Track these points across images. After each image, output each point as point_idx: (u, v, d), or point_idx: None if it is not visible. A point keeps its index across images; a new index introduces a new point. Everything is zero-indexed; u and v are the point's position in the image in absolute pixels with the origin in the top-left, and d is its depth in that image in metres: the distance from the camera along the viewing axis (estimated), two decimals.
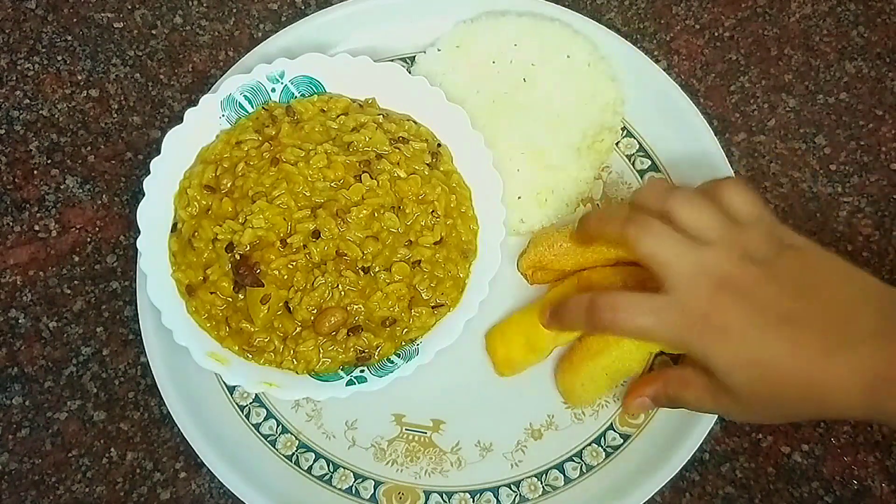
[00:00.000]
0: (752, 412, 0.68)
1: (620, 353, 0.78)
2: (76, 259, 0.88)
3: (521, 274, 0.84)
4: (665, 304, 0.65)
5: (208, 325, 0.77)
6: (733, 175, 0.86)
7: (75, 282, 0.87)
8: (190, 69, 0.95)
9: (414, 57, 0.92)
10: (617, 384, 0.81)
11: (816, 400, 0.62)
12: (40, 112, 0.93)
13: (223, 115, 0.83)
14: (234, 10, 0.98)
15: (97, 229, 0.89)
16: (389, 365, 0.77)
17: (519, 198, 0.85)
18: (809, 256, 0.67)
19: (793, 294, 0.63)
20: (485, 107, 0.88)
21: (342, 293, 0.77)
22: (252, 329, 0.76)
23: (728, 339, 0.63)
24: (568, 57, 0.89)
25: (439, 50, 0.91)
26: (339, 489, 0.80)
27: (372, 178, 0.79)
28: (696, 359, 0.66)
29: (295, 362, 0.77)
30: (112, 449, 0.82)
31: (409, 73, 0.89)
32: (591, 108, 0.88)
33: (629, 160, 0.90)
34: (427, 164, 0.82)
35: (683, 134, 0.88)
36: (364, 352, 0.77)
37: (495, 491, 0.80)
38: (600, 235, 0.75)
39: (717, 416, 0.79)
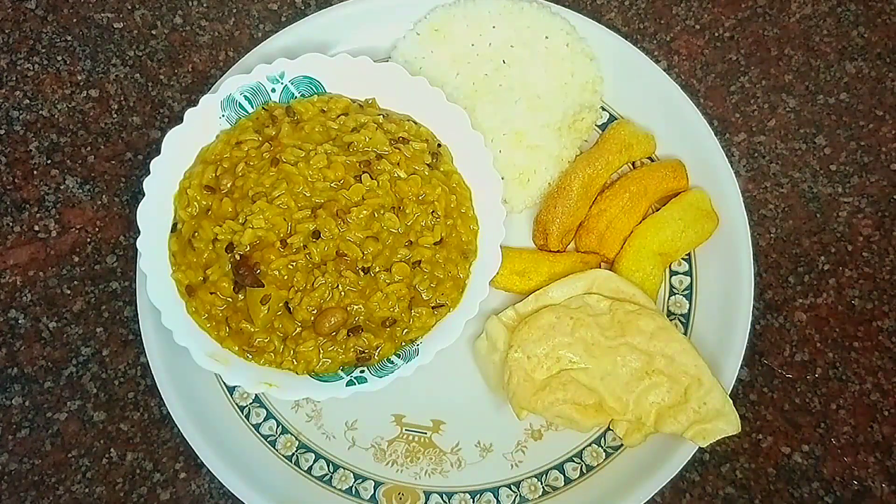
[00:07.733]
0: None
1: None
2: (76, 259, 0.88)
3: (553, 250, 0.85)
4: None
5: (208, 325, 0.77)
6: (732, 174, 0.86)
7: (75, 282, 0.87)
8: (190, 69, 0.95)
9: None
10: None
11: None
12: (40, 112, 0.93)
13: (223, 116, 0.83)
14: (234, 10, 0.98)
15: (97, 229, 0.89)
16: (389, 365, 0.77)
17: (502, 178, 0.85)
18: None
19: None
20: (465, 89, 0.88)
21: (342, 293, 0.76)
22: (252, 329, 0.76)
23: None
24: (546, 38, 0.89)
25: (418, 34, 0.90)
26: (339, 489, 0.80)
27: (372, 179, 0.79)
28: None
29: (295, 363, 0.77)
30: (112, 449, 0.82)
31: (389, 58, 0.89)
32: (571, 88, 0.89)
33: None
34: (427, 165, 0.82)
35: (683, 134, 0.88)
36: (364, 352, 0.77)
37: (495, 491, 0.80)
38: None
39: None
